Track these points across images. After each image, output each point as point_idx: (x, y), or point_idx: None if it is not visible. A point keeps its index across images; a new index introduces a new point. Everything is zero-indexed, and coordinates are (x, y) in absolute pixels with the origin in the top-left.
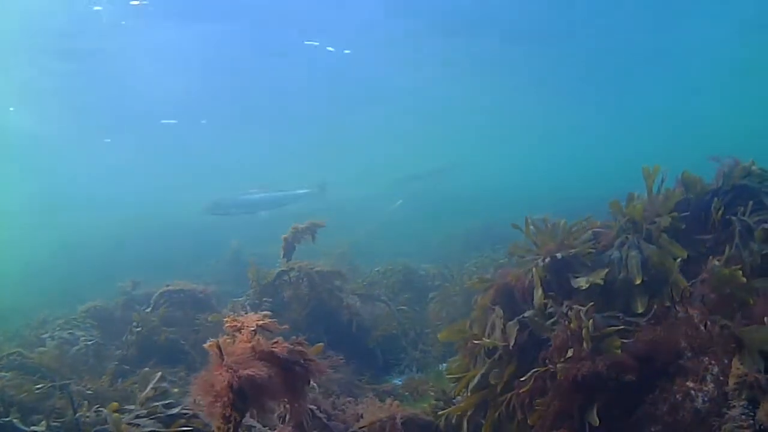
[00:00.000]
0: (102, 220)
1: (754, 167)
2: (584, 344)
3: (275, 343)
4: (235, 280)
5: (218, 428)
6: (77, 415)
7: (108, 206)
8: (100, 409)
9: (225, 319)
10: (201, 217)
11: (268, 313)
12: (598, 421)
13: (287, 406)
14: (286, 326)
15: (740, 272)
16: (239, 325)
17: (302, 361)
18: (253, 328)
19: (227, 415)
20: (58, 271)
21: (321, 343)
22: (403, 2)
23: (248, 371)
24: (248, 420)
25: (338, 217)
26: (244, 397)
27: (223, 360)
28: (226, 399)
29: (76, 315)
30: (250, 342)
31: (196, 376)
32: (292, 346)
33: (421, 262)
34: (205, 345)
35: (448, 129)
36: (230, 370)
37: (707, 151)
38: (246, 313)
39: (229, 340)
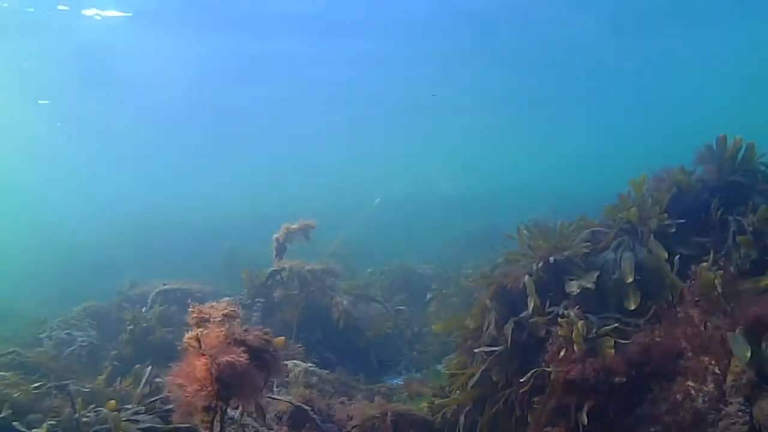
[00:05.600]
0: (99, 221)
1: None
2: (575, 347)
3: (246, 330)
4: (230, 280)
5: (202, 421)
6: (77, 414)
7: (106, 206)
8: (99, 408)
9: (189, 311)
10: (196, 218)
11: (231, 302)
12: (586, 420)
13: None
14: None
15: (721, 280)
16: (207, 316)
17: (271, 350)
18: (219, 318)
19: (211, 405)
20: (57, 271)
21: (282, 337)
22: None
23: (226, 357)
24: (246, 419)
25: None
26: (226, 383)
27: (201, 349)
28: (209, 386)
29: (73, 315)
30: (222, 330)
31: (171, 367)
32: (261, 335)
33: (419, 263)
34: (183, 340)
35: (450, 132)
36: (209, 357)
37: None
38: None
39: (205, 332)
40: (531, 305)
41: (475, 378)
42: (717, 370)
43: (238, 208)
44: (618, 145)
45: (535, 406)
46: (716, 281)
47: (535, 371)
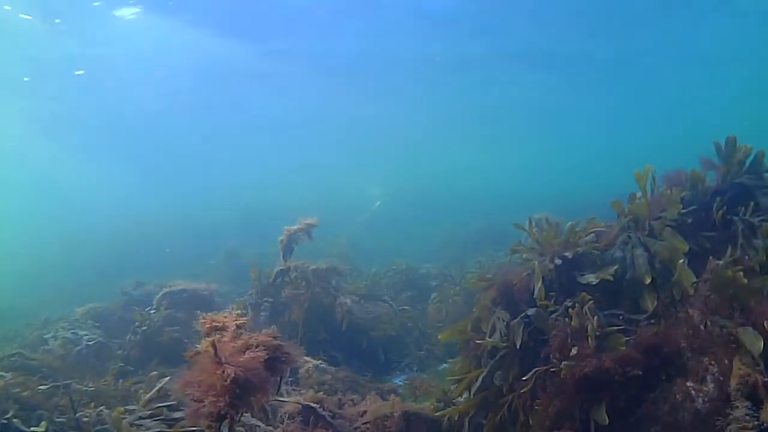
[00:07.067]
0: (102, 221)
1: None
2: (589, 341)
3: (256, 337)
4: (232, 279)
5: (209, 427)
6: (77, 414)
7: (107, 208)
8: (102, 409)
9: (201, 320)
10: (196, 218)
11: (240, 305)
12: (607, 420)
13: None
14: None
15: (741, 274)
16: (221, 325)
17: (282, 353)
18: (234, 328)
19: (222, 413)
20: (57, 271)
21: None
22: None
23: (245, 362)
24: (250, 420)
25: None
26: (243, 389)
27: (219, 358)
28: (226, 395)
29: (77, 317)
30: (236, 341)
31: (179, 369)
32: (271, 340)
33: (423, 262)
34: (197, 347)
35: (453, 135)
36: (229, 365)
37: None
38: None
39: (222, 339)
40: (536, 290)
41: (477, 383)
42: (716, 371)
43: (239, 208)
44: (617, 149)
45: (536, 407)
46: (737, 276)
47: (537, 370)
